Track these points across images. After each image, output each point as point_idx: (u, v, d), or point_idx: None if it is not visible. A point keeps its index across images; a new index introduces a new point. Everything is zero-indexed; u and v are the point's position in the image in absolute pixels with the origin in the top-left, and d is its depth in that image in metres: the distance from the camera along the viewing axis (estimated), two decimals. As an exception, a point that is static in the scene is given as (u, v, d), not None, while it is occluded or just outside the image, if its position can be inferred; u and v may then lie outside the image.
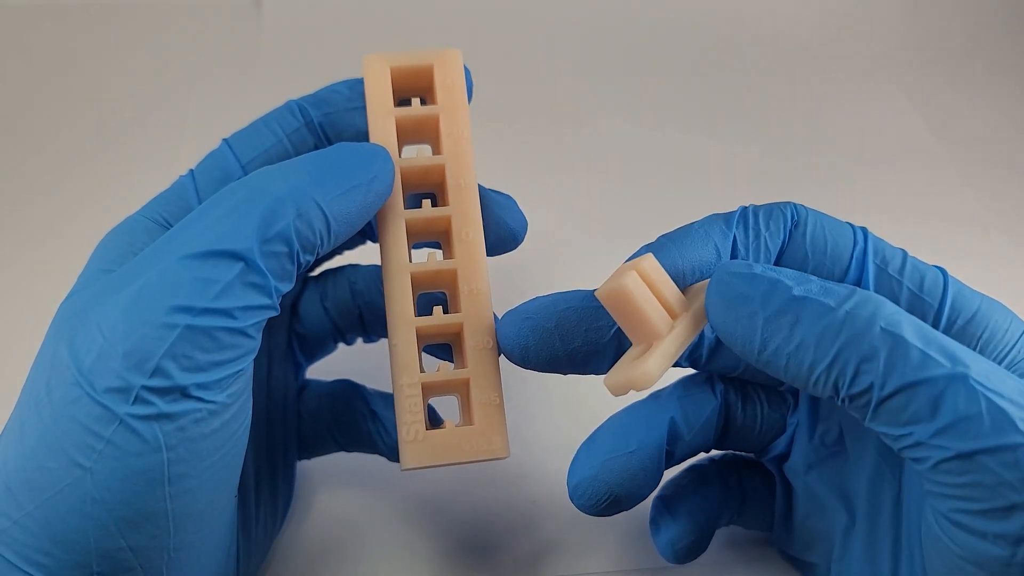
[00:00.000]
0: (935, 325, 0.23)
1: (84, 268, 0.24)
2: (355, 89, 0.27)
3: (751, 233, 0.24)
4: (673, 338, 0.22)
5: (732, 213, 0.25)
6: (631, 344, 0.24)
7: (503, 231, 0.27)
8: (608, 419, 0.27)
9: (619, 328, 0.24)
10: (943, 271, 0.24)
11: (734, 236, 0.24)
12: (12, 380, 0.24)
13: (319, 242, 0.23)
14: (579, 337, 0.24)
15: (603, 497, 0.25)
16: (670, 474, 0.29)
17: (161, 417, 0.20)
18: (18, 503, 0.20)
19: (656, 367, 0.21)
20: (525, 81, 0.50)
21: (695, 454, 0.28)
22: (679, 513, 0.28)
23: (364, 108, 0.27)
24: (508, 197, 0.28)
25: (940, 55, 0.55)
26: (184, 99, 0.47)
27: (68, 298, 0.23)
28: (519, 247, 0.28)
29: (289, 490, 0.31)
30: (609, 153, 0.47)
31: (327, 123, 0.27)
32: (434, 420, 0.27)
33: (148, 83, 0.48)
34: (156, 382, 0.20)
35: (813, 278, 0.21)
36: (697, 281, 0.24)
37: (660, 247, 0.24)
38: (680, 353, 0.22)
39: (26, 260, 0.40)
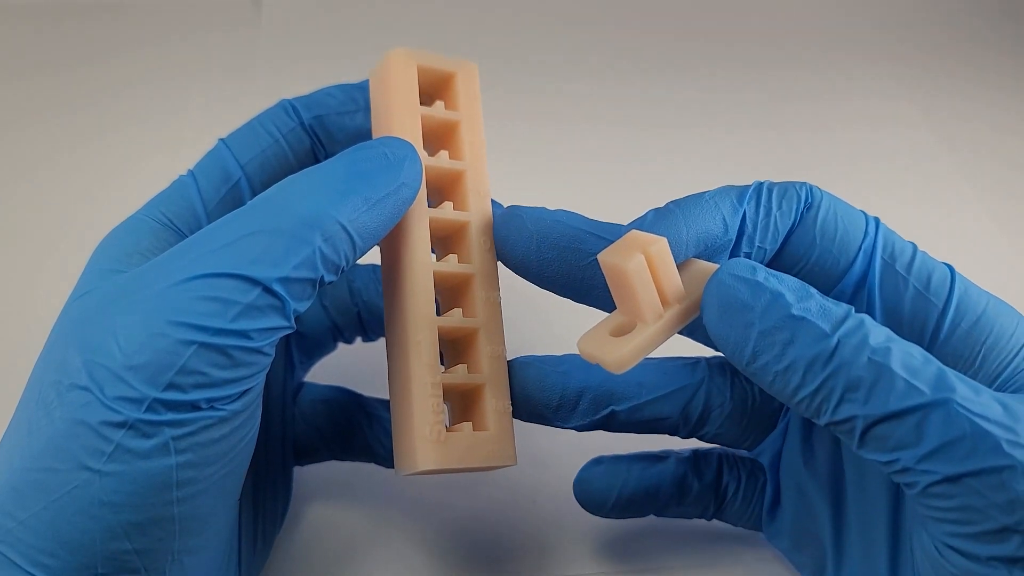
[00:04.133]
0: (938, 327, 0.23)
1: (87, 267, 0.24)
2: (348, 94, 0.27)
3: (762, 211, 0.24)
4: (656, 330, 0.22)
5: (746, 187, 0.24)
6: (604, 280, 0.23)
7: None
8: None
9: (595, 261, 0.24)
10: (951, 269, 0.24)
11: (744, 211, 0.24)
12: (9, 379, 0.24)
13: (345, 263, 0.22)
14: (554, 251, 0.24)
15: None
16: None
17: (172, 423, 0.20)
18: (24, 504, 0.20)
19: (630, 356, 0.21)
20: (526, 81, 0.50)
21: (653, 425, 0.27)
22: (610, 467, 0.28)
23: (357, 112, 0.27)
24: (499, 205, 0.27)
25: (940, 54, 0.55)
26: (184, 99, 0.47)
27: (76, 299, 0.23)
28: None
29: (287, 491, 0.30)
30: (611, 150, 0.47)
31: (317, 125, 0.27)
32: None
33: (148, 83, 0.48)
34: (169, 395, 0.20)
35: (814, 293, 0.21)
36: (698, 253, 0.24)
37: (667, 213, 0.24)
38: (660, 344, 0.22)
39: (26, 259, 0.40)
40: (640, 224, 0.24)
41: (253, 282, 0.21)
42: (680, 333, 0.27)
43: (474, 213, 0.26)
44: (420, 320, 0.24)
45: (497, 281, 0.26)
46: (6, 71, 0.48)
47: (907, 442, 0.19)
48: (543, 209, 0.25)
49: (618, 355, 0.21)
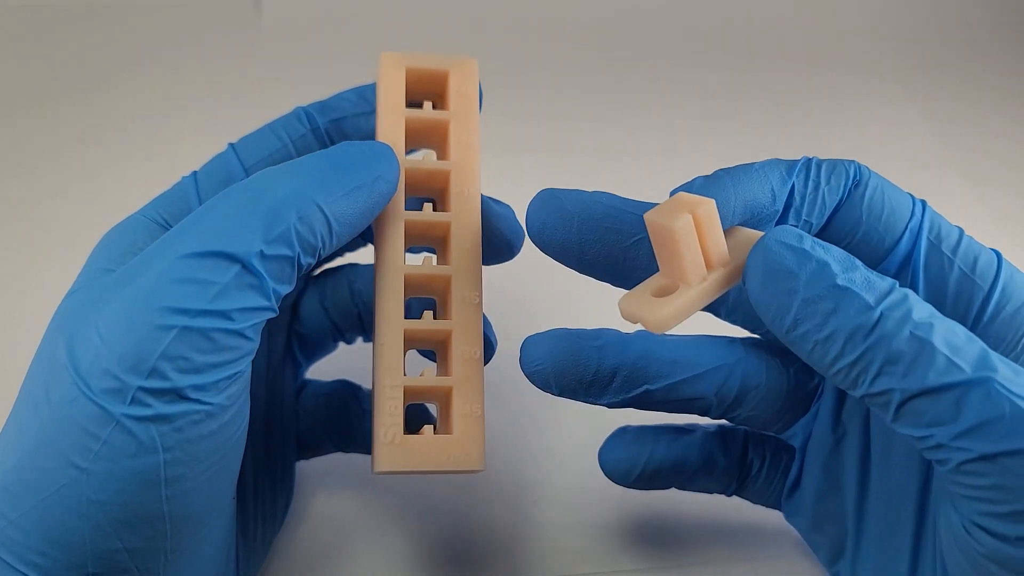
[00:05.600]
0: (983, 309, 0.23)
1: (83, 267, 0.24)
2: (363, 96, 0.27)
3: (811, 184, 0.24)
4: (699, 292, 0.22)
5: (795, 161, 0.24)
6: (647, 261, 0.24)
7: (499, 241, 0.27)
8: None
9: (638, 241, 0.24)
10: (998, 254, 0.24)
11: (793, 184, 0.24)
12: (10, 379, 0.24)
13: (321, 244, 0.23)
14: (597, 232, 0.24)
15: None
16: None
17: (158, 418, 0.20)
18: (15, 503, 0.20)
19: (672, 317, 0.21)
20: (526, 83, 0.50)
21: (682, 401, 0.27)
22: (638, 437, 0.28)
23: (372, 114, 0.27)
24: (506, 206, 0.28)
25: (940, 54, 0.55)
26: (184, 99, 0.47)
27: (67, 297, 0.23)
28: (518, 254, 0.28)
29: (288, 491, 0.30)
30: (608, 154, 0.47)
31: (333, 129, 0.27)
32: (423, 420, 0.27)
33: (148, 83, 0.48)
34: (153, 383, 0.20)
35: (859, 265, 0.21)
36: (743, 222, 0.23)
37: (716, 179, 0.23)
38: (701, 307, 0.22)
39: (25, 259, 0.40)
40: (688, 188, 0.23)
41: (230, 259, 0.21)
42: (719, 317, 0.27)
43: (456, 213, 0.26)
44: (385, 322, 0.25)
45: (478, 282, 0.26)
46: (5, 71, 0.48)
47: (943, 418, 0.19)
48: (580, 191, 0.25)
49: (660, 315, 0.21)
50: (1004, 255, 0.43)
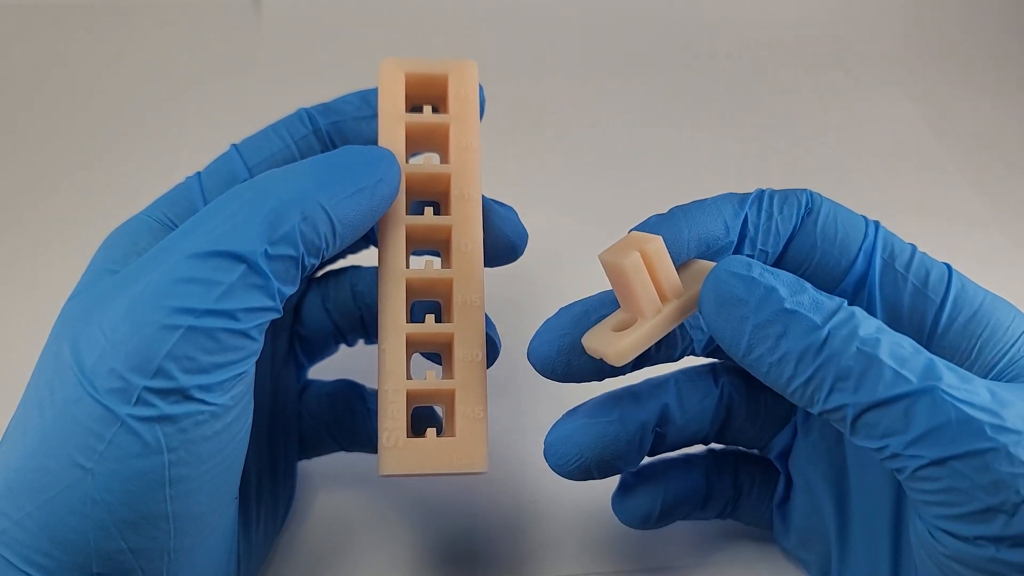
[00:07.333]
0: (936, 321, 0.24)
1: (87, 268, 0.24)
2: (366, 100, 0.28)
3: (763, 215, 0.25)
4: (655, 324, 0.23)
5: (747, 194, 0.25)
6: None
7: (502, 243, 0.27)
8: (602, 393, 0.27)
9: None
10: (949, 267, 0.24)
11: (746, 215, 0.24)
12: (15, 381, 0.24)
13: (324, 245, 0.23)
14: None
15: (573, 458, 0.25)
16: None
17: (162, 419, 0.20)
18: (19, 503, 0.20)
19: (630, 349, 0.22)
20: (524, 84, 0.50)
21: (691, 442, 0.28)
22: (646, 479, 0.28)
23: (373, 118, 0.27)
24: (509, 208, 0.28)
25: (940, 54, 0.55)
26: (183, 100, 0.47)
27: (72, 298, 0.23)
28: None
29: (290, 491, 0.31)
30: (608, 155, 0.47)
31: (334, 131, 0.27)
32: (429, 423, 0.27)
33: (147, 84, 0.48)
34: (158, 383, 0.20)
35: (808, 287, 0.22)
36: (699, 254, 0.24)
37: (670, 216, 0.24)
38: (658, 338, 0.23)
39: (27, 260, 0.40)
40: (643, 228, 0.24)
41: (236, 258, 0.21)
42: (696, 355, 0.28)
43: (457, 216, 0.26)
44: (387, 326, 0.25)
45: (480, 285, 0.26)
46: (5, 71, 0.48)
47: (895, 429, 0.20)
48: (566, 312, 0.25)
49: (618, 348, 0.22)
50: (1004, 255, 0.43)
